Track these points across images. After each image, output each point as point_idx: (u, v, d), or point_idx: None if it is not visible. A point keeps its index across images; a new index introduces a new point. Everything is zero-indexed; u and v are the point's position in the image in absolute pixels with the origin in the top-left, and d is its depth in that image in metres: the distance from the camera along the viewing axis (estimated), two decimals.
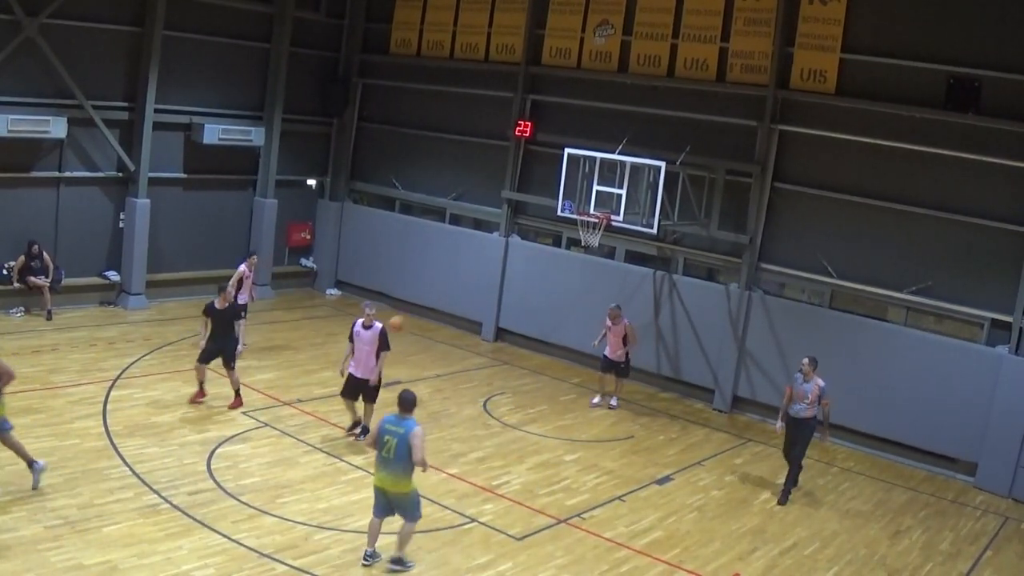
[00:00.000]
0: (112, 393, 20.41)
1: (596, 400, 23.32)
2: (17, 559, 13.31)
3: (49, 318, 25.10)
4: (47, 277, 25.08)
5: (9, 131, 24.14)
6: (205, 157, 28.70)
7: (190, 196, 28.92)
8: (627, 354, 23.00)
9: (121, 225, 27.33)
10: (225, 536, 14.77)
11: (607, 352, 23.01)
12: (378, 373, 18.83)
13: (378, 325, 18.73)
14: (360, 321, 18.92)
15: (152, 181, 27.36)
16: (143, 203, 27.08)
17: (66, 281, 26.00)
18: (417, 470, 13.89)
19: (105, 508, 15.19)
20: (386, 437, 13.77)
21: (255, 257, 25.01)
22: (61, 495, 15.40)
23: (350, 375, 18.99)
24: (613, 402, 23.26)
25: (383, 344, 18.82)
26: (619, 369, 23.21)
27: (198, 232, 29.13)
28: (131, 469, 16.73)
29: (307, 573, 13.97)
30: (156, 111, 26.95)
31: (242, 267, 23.66)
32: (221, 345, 20.12)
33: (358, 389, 18.88)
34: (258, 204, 30.10)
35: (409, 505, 14.04)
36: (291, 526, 15.35)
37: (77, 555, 13.61)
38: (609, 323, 22.74)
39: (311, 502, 16.23)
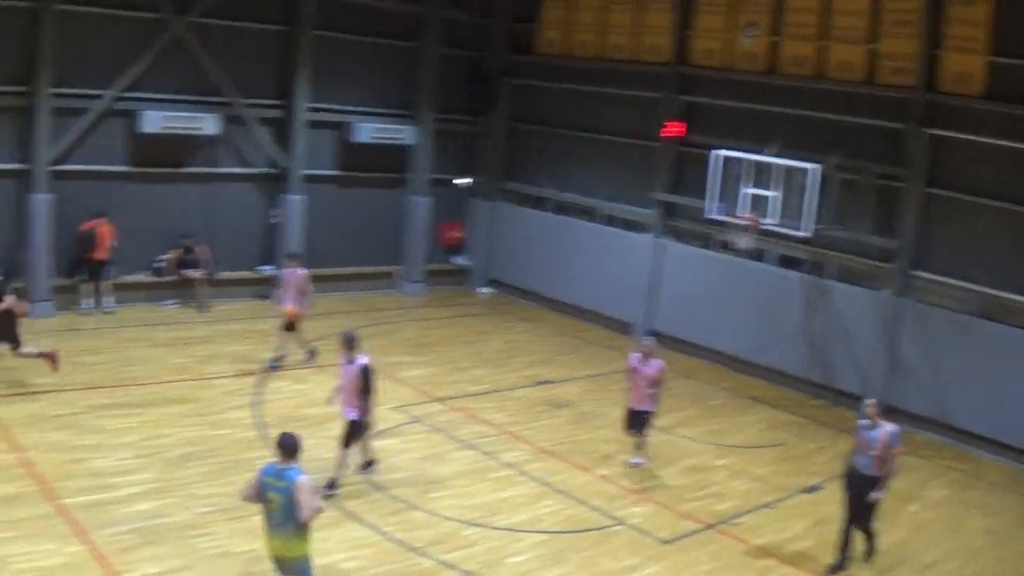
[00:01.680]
0: (264, 386, 20.48)
1: (634, 460, 18.43)
2: (167, 544, 13.40)
3: (203, 310, 25.42)
4: (200, 270, 25.34)
5: (163, 128, 24.58)
6: (357, 155, 28.77)
7: (343, 193, 28.99)
8: (655, 401, 17.91)
9: (272, 221, 27.52)
10: (374, 529, 14.70)
11: (631, 402, 18.12)
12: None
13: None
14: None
15: (306, 178, 27.55)
16: (297, 199, 27.29)
17: (220, 274, 26.26)
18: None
19: None
20: (269, 495, 10.92)
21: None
22: (212, 484, 15.48)
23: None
24: (639, 460, 18.24)
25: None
26: (642, 422, 17.98)
27: (351, 229, 29.19)
28: None
29: (455, 569, 13.77)
30: (308, 109, 27.16)
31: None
32: None
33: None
34: (411, 202, 30.01)
35: (299, 570, 11.25)
36: (440, 521, 15.18)
37: (225, 543, 13.64)
38: (636, 363, 17.96)
39: (460, 498, 16.02)
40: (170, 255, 25.35)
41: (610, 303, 28.06)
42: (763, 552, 15.17)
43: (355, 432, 15.96)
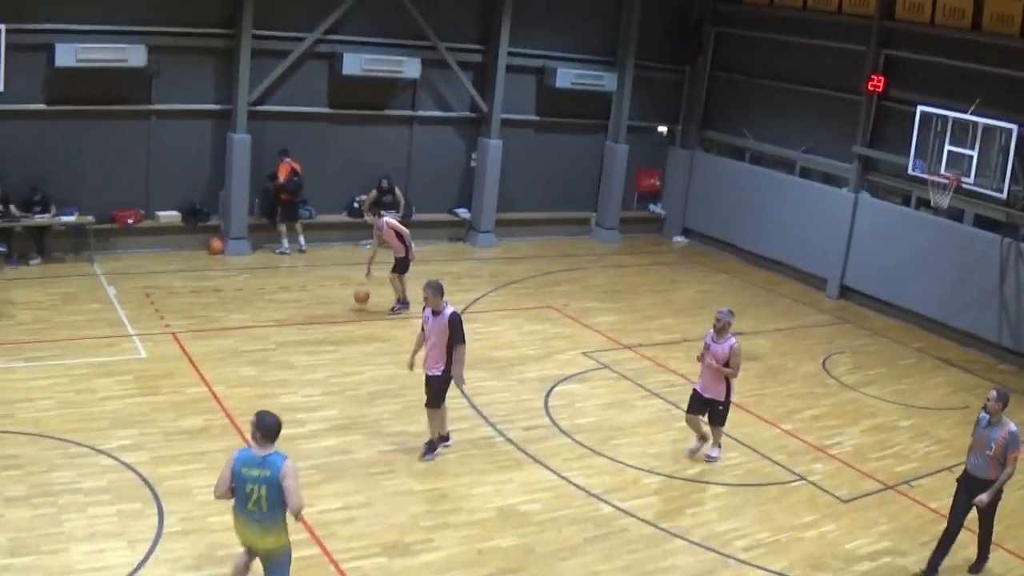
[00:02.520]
0: None
1: (694, 445, 16.07)
2: (349, 480, 13.72)
3: None
4: (398, 212, 25.55)
5: (364, 70, 24.85)
6: (557, 101, 28.63)
7: (541, 138, 28.95)
8: (728, 389, 15.50)
9: (472, 164, 27.66)
10: (555, 473, 14.78)
11: (699, 385, 15.72)
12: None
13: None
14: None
15: (504, 123, 27.59)
16: (495, 143, 27.32)
17: (416, 216, 26.47)
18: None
19: None
20: (249, 487, 9.65)
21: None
22: (398, 422, 15.78)
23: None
24: (713, 452, 15.86)
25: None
26: (714, 411, 15.63)
27: (548, 174, 29.17)
28: (469, 401, 17.00)
29: (632, 516, 13.77)
30: (509, 54, 27.11)
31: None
32: None
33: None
34: (609, 149, 29.78)
35: (282, 562, 10.24)
36: (621, 468, 15.20)
37: (408, 481, 13.87)
38: (710, 338, 15.44)
39: (643, 446, 15.97)
40: (367, 196, 25.57)
41: (804, 257, 27.49)
42: (939, 517, 14.60)
43: (442, 388, 14.85)
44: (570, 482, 14.42)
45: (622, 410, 17.41)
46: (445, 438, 15.14)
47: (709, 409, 15.53)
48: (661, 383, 18.75)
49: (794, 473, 15.68)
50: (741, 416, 17.40)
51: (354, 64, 24.76)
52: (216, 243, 24.50)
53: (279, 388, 16.72)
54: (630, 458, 15.35)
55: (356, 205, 26.00)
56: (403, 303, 21.46)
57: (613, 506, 13.87)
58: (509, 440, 15.62)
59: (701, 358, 15.39)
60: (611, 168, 29.69)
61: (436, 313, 14.64)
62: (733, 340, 15.17)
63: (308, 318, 20.37)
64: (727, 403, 15.49)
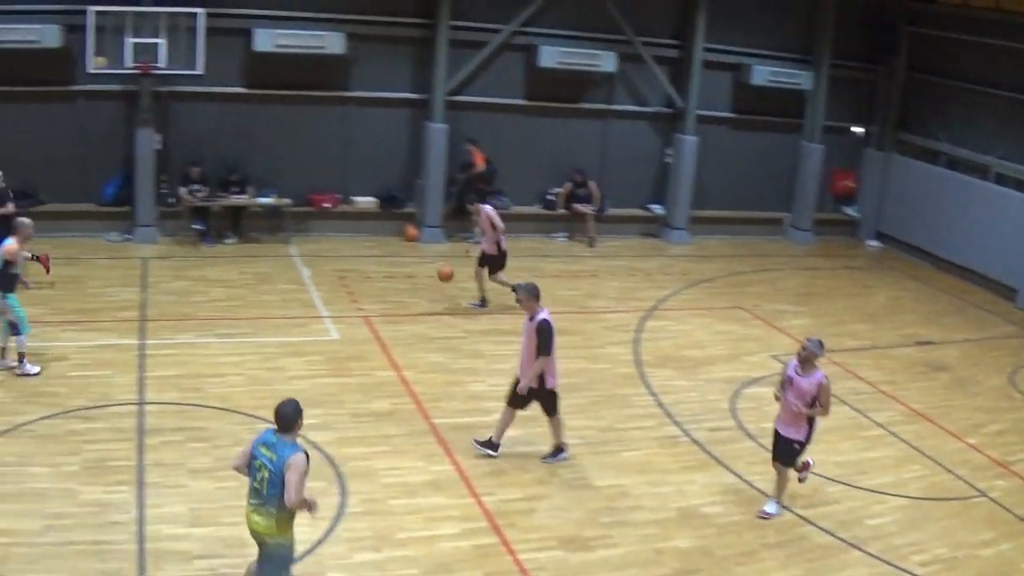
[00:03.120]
0: (646, 323, 20.56)
1: (764, 510, 13.57)
2: (529, 472, 13.79)
3: (591, 245, 25.82)
4: (591, 205, 25.43)
5: (560, 63, 24.95)
6: (752, 98, 28.22)
7: (736, 136, 28.60)
8: (810, 429, 13.24)
9: (666, 160, 27.43)
10: (739, 476, 14.56)
11: (779, 424, 13.43)
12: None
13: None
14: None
15: (700, 119, 27.25)
16: (691, 140, 27.08)
17: (609, 211, 26.44)
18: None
19: (625, 434, 15.43)
20: (258, 463, 9.54)
21: None
22: (584, 416, 15.68)
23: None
24: (770, 508, 13.53)
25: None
26: (787, 450, 13.33)
27: (743, 172, 28.77)
28: (655, 399, 16.88)
29: (812, 524, 13.47)
30: (705, 50, 26.82)
31: None
32: None
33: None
34: (804, 149, 29.18)
35: (276, 559, 9.81)
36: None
37: (589, 475, 13.80)
38: (794, 370, 13.17)
39: (826, 454, 15.49)
40: (562, 189, 25.55)
41: (994, 265, 26.45)
42: None
43: (550, 398, 14.06)
44: (753, 486, 14.17)
45: None
46: (560, 449, 14.35)
47: (785, 453, 13.32)
48: (848, 390, 18.19)
49: (976, 488, 15.11)
50: (926, 428, 16.96)
51: (550, 57, 24.84)
52: (411, 230, 24.80)
53: (467, 376, 16.85)
54: (814, 466, 14.94)
55: (550, 198, 26.02)
56: (483, 302, 20.80)
57: (794, 513, 13.59)
58: (694, 440, 15.41)
59: (780, 394, 13.28)
60: (806, 168, 29.09)
61: (530, 318, 13.99)
62: (821, 374, 12.92)
63: (498, 307, 20.43)
64: (804, 444, 13.23)
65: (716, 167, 27.89)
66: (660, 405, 16.55)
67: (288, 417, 9.49)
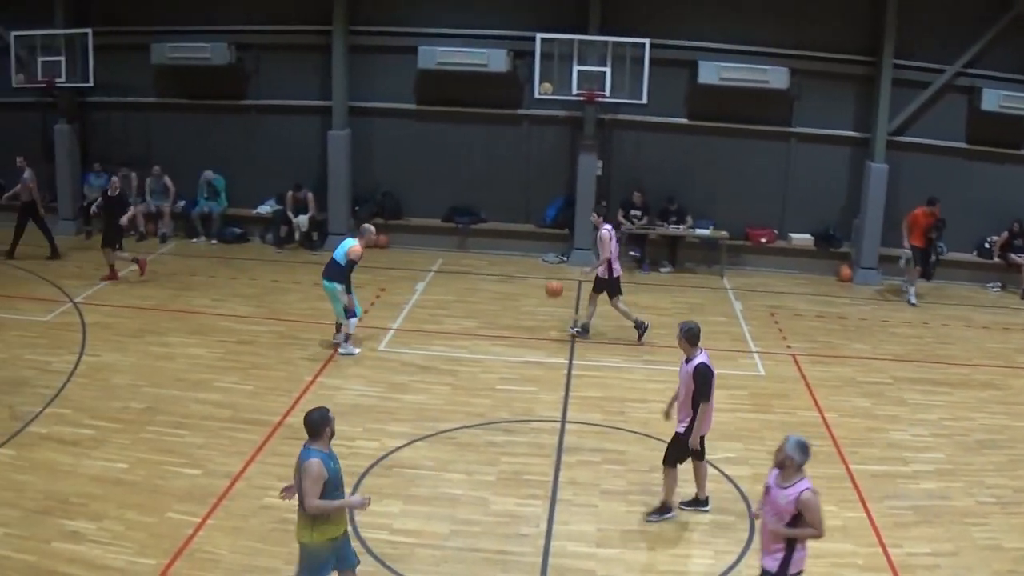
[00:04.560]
0: None
1: None
2: (941, 527, 13.41)
3: None
4: None
5: (1000, 107, 23.99)
6: None
7: None
8: (787, 558, 9.75)
9: None
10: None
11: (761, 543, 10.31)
12: None
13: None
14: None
15: None
16: None
17: None
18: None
19: None
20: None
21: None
22: (1002, 475, 15.17)
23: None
24: None
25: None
26: None
27: None
28: None
29: None
30: None
31: None
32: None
33: None
34: None
35: (302, 559, 9.99)
36: None
37: (999, 536, 13.40)
38: (773, 480, 9.91)
39: None
40: (999, 237, 24.88)
41: None
42: None
43: (680, 449, 12.93)
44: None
45: None
46: (667, 508, 13.12)
47: None
48: None
49: None
50: None
51: (992, 100, 23.95)
52: (846, 270, 24.85)
53: (889, 423, 16.65)
54: None
55: (987, 246, 25.32)
56: (584, 329, 19.93)
57: None
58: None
59: (758, 510, 10.33)
60: None
61: (686, 360, 12.88)
62: (805, 484, 9.62)
63: (927, 356, 20.13)
64: None
65: None
66: None
67: (314, 423, 9.71)
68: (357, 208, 25.72)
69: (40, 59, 25.52)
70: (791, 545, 9.74)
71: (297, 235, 25.56)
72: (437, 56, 23.72)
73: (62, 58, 25.39)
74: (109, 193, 22.44)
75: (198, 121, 26.69)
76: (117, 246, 22.23)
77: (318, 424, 9.69)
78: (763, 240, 25.02)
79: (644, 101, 23.35)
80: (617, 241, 19.76)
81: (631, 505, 13.23)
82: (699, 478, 13.30)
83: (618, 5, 24.10)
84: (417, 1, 24.72)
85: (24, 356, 17.99)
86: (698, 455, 13.09)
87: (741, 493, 13.86)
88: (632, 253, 24.24)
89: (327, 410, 9.83)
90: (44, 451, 14.19)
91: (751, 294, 23.08)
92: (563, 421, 15.76)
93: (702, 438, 12.95)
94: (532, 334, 19.67)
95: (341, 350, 18.52)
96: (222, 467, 14.03)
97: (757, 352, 19.56)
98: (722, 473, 14.26)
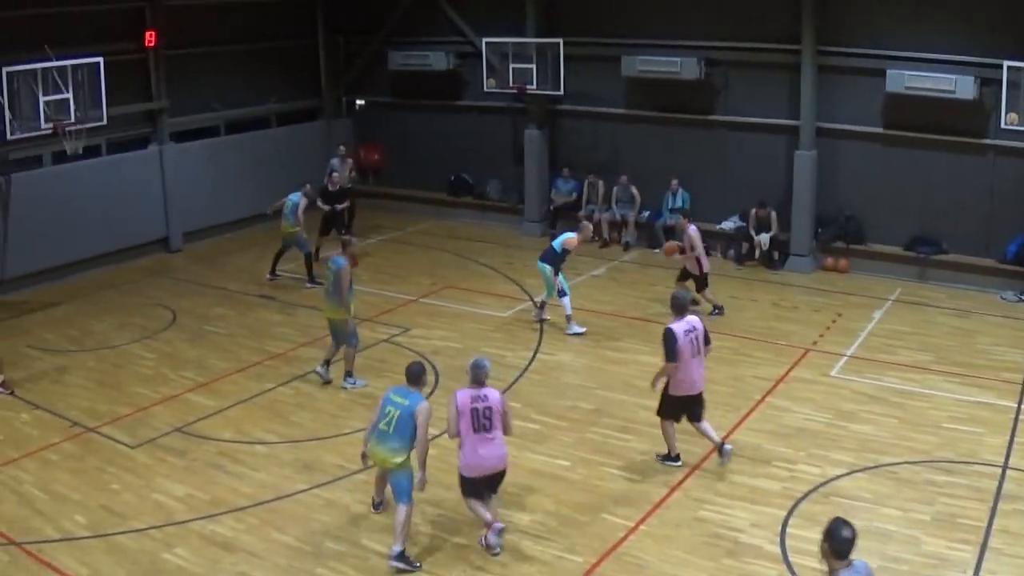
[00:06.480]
0: None
1: None
2: None
3: None
4: None
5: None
6: None
7: None
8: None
9: None
10: None
11: None
12: None
13: None
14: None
15: None
16: None
17: None
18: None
19: None
20: (388, 408, 12.59)
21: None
22: None
23: None
24: None
25: None
26: None
27: None
28: None
29: None
30: None
31: None
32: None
33: None
34: None
35: (402, 481, 12.60)
36: None
37: None
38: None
39: None
40: None
41: None
42: None
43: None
44: None
45: None
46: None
47: None
48: None
49: None
50: None
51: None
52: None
53: None
54: None
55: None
56: (718, 309, 22.50)
57: None
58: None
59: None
60: None
61: None
62: None
63: None
64: None
65: None
66: None
67: (410, 374, 12.67)
68: (819, 230, 26.10)
69: (511, 66, 27.90)
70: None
71: (758, 253, 26.29)
72: (905, 80, 23.72)
73: (532, 66, 27.68)
74: None
75: (665, 134, 28.02)
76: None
77: (412, 375, 12.71)
78: None
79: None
80: None
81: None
82: (667, 436, 15.18)
83: None
84: (883, 22, 24.66)
85: (479, 348, 19.73)
86: (670, 415, 15.00)
87: None
88: None
89: (424, 363, 13.14)
90: None
91: None
92: (1004, 467, 15.40)
93: (683, 398, 14.77)
94: (983, 373, 19.24)
95: (568, 330, 21.08)
96: (662, 475, 15.00)
97: None
98: None
